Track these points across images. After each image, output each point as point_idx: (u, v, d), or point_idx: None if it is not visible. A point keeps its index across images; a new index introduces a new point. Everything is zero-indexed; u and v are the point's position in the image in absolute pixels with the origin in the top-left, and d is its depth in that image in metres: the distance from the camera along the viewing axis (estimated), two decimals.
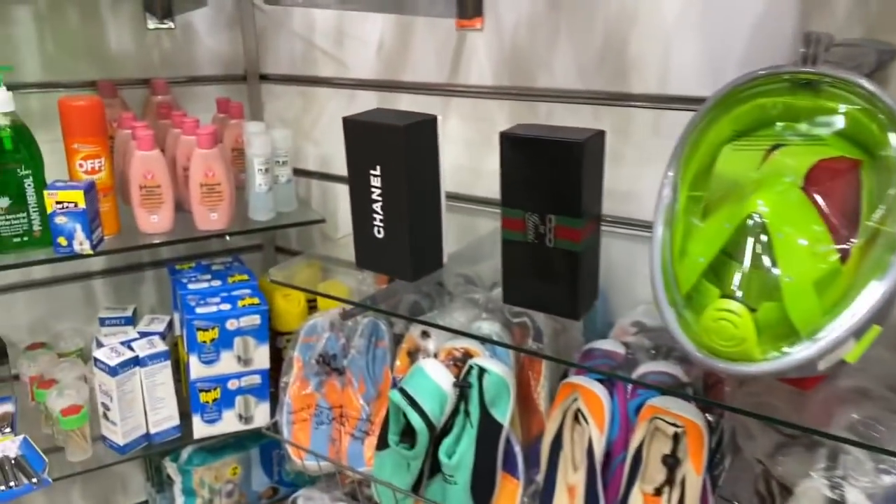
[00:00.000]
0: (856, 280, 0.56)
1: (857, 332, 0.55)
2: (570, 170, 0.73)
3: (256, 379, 1.20)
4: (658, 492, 0.83)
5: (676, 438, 0.82)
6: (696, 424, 0.80)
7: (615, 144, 1.03)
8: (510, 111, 1.11)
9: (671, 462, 0.82)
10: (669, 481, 0.83)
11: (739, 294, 0.56)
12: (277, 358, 1.23)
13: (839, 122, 0.60)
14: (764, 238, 0.56)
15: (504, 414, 0.92)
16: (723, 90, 0.64)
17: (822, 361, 0.56)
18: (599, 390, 0.88)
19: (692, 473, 0.80)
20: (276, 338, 1.26)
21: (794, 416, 0.74)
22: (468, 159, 1.17)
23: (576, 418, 0.90)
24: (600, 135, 0.76)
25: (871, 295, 0.55)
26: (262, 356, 1.19)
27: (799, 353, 0.55)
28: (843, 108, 0.59)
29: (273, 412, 1.21)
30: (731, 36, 0.89)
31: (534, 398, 0.99)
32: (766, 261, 0.56)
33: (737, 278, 0.56)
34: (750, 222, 0.56)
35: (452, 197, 1.15)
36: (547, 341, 0.99)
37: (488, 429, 0.91)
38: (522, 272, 0.81)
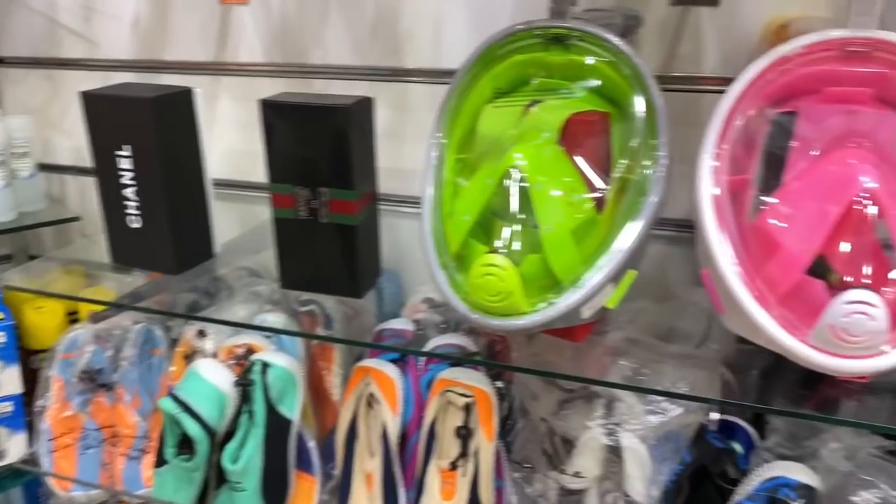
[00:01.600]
0: (611, 228, 0.58)
1: (615, 278, 0.57)
2: (338, 138, 0.69)
3: (7, 406, 1.03)
4: (454, 465, 0.82)
5: (468, 409, 0.81)
6: (485, 392, 0.80)
7: (394, 121, 1.01)
8: (285, 89, 1.04)
9: (464, 433, 0.81)
10: (464, 454, 0.82)
11: (504, 249, 0.55)
12: (33, 380, 1.06)
13: (590, 76, 0.61)
14: (523, 191, 0.55)
15: (292, 409, 0.86)
16: (479, 49, 0.63)
17: (585, 309, 0.57)
18: (391, 371, 0.85)
19: (484, 442, 0.80)
20: (28, 357, 1.08)
21: (573, 371, 0.76)
22: (243, 142, 1.08)
23: (369, 403, 0.87)
24: (367, 101, 0.72)
25: (624, 241, 0.57)
26: (11, 379, 1.02)
27: (563, 302, 0.55)
28: (592, 62, 0.60)
29: (32, 442, 1.04)
30: (494, 8, 0.90)
31: (327, 389, 0.94)
32: (527, 213, 0.55)
33: (500, 233, 0.55)
34: (509, 176, 0.56)
35: (228, 184, 1.06)
36: (338, 327, 0.94)
37: (276, 427, 0.85)
38: (298, 252, 0.75)
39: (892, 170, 0.53)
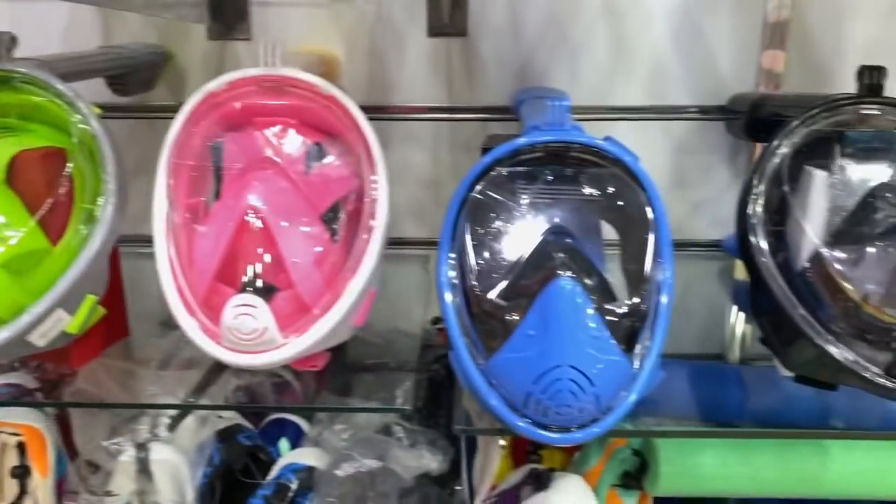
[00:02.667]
0: (68, 258, 0.61)
1: (66, 305, 0.60)
2: None
3: None
4: None
5: (21, 448, 0.80)
6: (35, 429, 0.80)
7: None
8: None
9: (20, 472, 0.80)
10: (24, 492, 0.81)
11: None
12: None
13: (41, 115, 0.64)
14: None
15: None
16: None
17: (34, 337, 0.59)
18: None
19: (39, 479, 0.80)
20: None
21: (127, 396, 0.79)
22: None
23: None
24: None
25: (72, 270, 0.60)
26: None
27: (1, 334, 0.57)
28: (40, 101, 0.63)
29: None
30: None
31: None
32: None
33: None
34: None
35: None
36: None
37: None
38: None
39: (293, 188, 0.62)
